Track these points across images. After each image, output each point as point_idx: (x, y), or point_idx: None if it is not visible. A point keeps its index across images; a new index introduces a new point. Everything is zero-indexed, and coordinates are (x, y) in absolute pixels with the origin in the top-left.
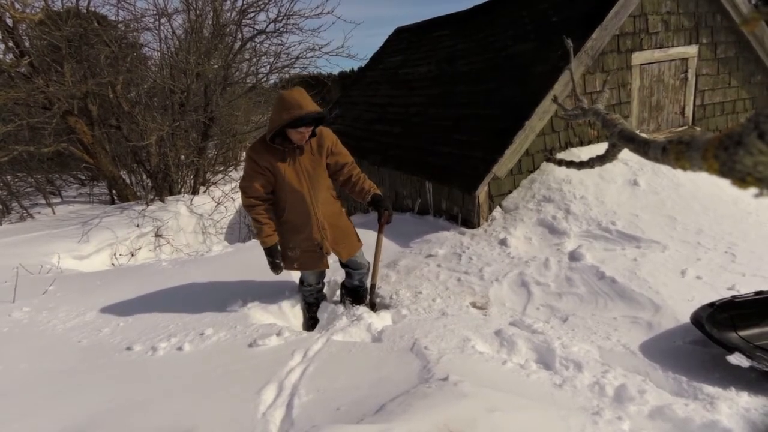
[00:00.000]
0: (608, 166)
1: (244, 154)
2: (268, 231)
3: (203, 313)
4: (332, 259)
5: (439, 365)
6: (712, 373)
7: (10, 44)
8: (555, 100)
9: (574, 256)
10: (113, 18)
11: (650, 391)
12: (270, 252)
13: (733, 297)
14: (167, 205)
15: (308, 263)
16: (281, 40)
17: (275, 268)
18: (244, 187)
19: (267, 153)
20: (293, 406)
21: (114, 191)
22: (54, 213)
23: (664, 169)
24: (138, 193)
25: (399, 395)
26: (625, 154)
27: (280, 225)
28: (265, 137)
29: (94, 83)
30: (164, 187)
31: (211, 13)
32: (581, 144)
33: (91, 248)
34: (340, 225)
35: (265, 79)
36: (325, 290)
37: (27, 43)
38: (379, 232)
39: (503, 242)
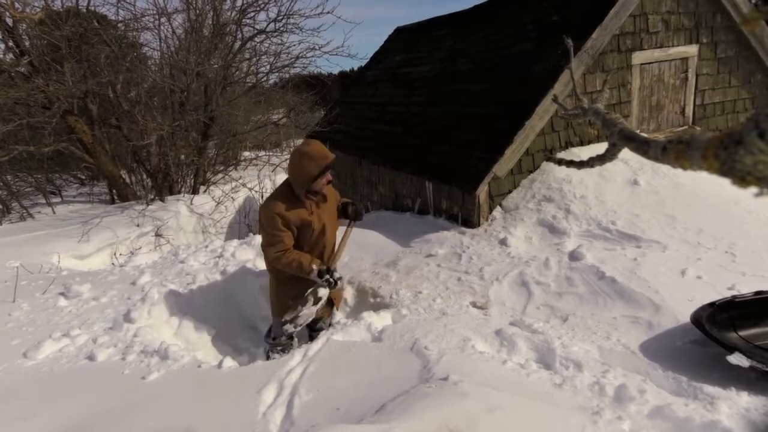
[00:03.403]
0: (608, 165)
1: (244, 153)
2: (308, 257)
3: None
4: None
5: (440, 365)
6: (712, 373)
7: (10, 44)
8: (555, 99)
9: (574, 256)
10: (113, 17)
11: (650, 391)
12: (320, 274)
13: (734, 297)
14: (167, 205)
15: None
16: (281, 40)
17: (332, 285)
18: (273, 244)
19: (294, 208)
20: (293, 405)
21: (114, 191)
22: (54, 212)
23: (665, 169)
24: (138, 193)
25: (399, 395)
26: (625, 153)
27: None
28: (290, 193)
29: (94, 83)
30: (164, 187)
31: (211, 13)
32: (581, 143)
33: (91, 248)
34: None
35: (265, 78)
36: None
37: (27, 43)
38: (349, 226)
39: (503, 242)
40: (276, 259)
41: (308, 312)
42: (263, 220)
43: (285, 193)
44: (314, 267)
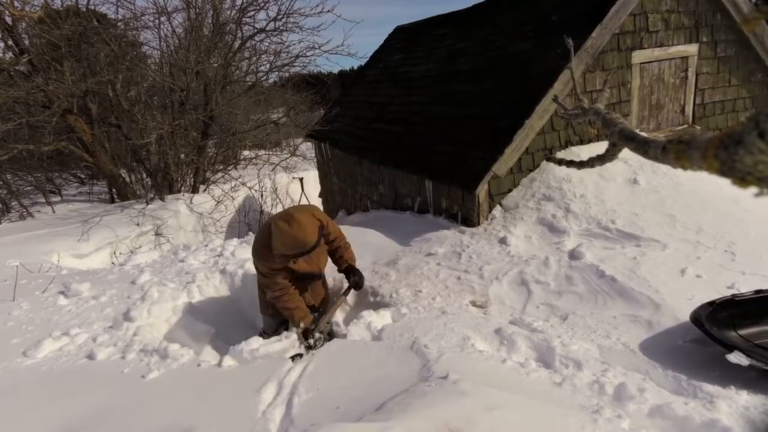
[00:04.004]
0: (608, 164)
1: (244, 153)
2: (300, 314)
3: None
4: None
5: (439, 364)
6: (712, 372)
7: (10, 42)
8: (555, 99)
9: (573, 255)
10: (113, 16)
11: (650, 390)
12: (305, 335)
13: (733, 296)
14: (167, 204)
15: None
16: (281, 39)
17: (309, 348)
18: (269, 286)
19: (279, 257)
20: (293, 404)
21: (114, 190)
22: (54, 211)
23: (664, 168)
24: (138, 192)
25: (399, 394)
26: (625, 153)
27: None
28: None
29: (94, 82)
30: (164, 186)
31: (211, 12)
32: (581, 143)
33: (91, 247)
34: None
35: (264, 77)
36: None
37: (26, 42)
38: (344, 293)
39: (503, 241)
40: (275, 299)
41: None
42: (256, 260)
43: (267, 246)
44: (302, 326)
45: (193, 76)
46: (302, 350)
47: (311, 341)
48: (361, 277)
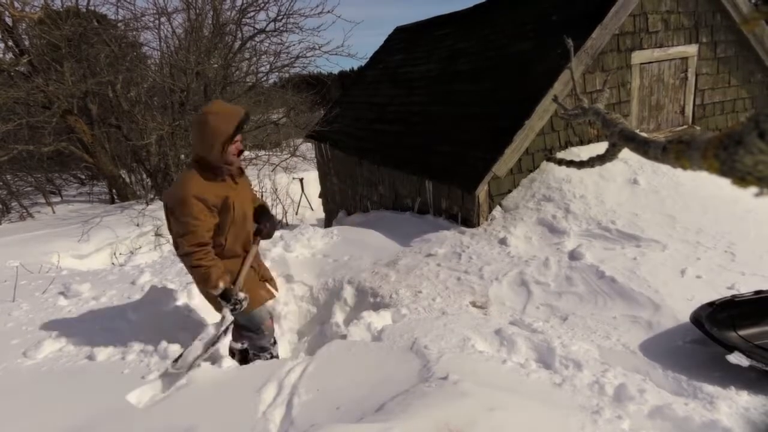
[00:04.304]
0: (608, 165)
1: (244, 153)
2: (217, 273)
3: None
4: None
5: (439, 364)
6: (712, 373)
7: (10, 43)
8: (555, 99)
9: (573, 256)
10: (113, 17)
11: (650, 391)
12: (226, 295)
13: (733, 296)
14: None
15: (256, 295)
16: (281, 39)
17: (236, 309)
18: (183, 235)
19: (213, 185)
20: (293, 405)
21: (114, 190)
22: (54, 212)
23: (664, 168)
24: (138, 193)
25: (399, 394)
26: (625, 153)
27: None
28: (203, 170)
29: (94, 82)
30: (164, 187)
31: (211, 12)
32: (581, 143)
33: (91, 247)
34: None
35: (265, 78)
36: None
37: (26, 42)
38: (254, 242)
39: (503, 241)
40: (186, 256)
41: (197, 350)
42: (172, 204)
43: (197, 171)
44: (221, 284)
45: (194, 77)
46: (227, 314)
47: (236, 300)
48: (273, 225)
